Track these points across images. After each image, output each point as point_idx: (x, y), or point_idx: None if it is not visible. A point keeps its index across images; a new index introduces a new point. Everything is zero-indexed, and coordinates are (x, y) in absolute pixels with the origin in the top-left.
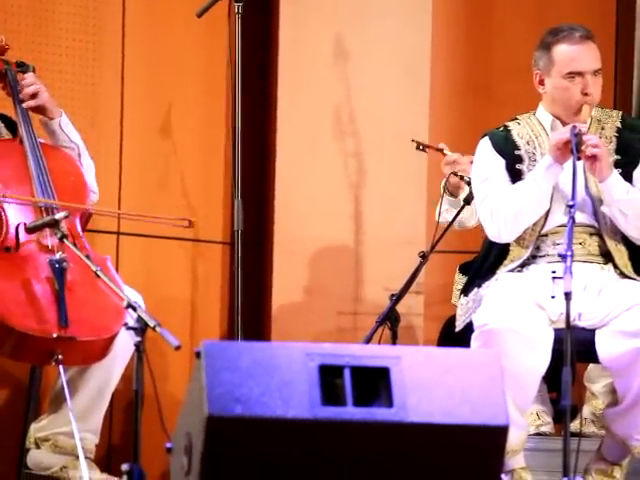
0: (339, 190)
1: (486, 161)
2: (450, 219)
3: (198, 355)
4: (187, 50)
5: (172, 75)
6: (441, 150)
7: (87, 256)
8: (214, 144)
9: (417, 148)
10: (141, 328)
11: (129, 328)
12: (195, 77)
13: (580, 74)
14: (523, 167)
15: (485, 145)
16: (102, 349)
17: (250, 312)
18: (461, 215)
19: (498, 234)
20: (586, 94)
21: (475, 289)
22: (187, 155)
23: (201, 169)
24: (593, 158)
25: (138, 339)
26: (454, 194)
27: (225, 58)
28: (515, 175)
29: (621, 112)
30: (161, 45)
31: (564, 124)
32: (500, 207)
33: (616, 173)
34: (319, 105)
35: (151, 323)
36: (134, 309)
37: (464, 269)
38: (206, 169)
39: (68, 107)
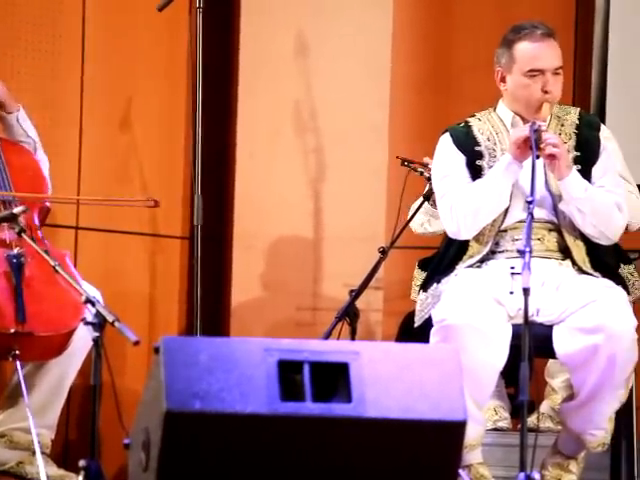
0: (299, 185)
1: (446, 157)
2: (431, 230)
3: (157, 350)
4: (148, 44)
5: (132, 69)
6: (426, 165)
7: (45, 251)
8: (174, 138)
9: (402, 164)
10: (99, 323)
11: (87, 323)
12: (156, 71)
13: (541, 72)
14: (483, 163)
15: (446, 141)
16: (60, 344)
17: (209, 307)
18: (438, 228)
19: (457, 230)
20: (546, 92)
21: (434, 285)
22: (147, 149)
23: (161, 163)
24: (552, 157)
25: (96, 334)
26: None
27: (186, 52)
28: (475, 171)
29: (579, 109)
30: (122, 38)
31: (524, 121)
32: (460, 204)
33: (575, 172)
34: (279, 100)
35: (110, 318)
36: (93, 304)
37: (423, 265)
38: (166, 163)
39: (27, 101)
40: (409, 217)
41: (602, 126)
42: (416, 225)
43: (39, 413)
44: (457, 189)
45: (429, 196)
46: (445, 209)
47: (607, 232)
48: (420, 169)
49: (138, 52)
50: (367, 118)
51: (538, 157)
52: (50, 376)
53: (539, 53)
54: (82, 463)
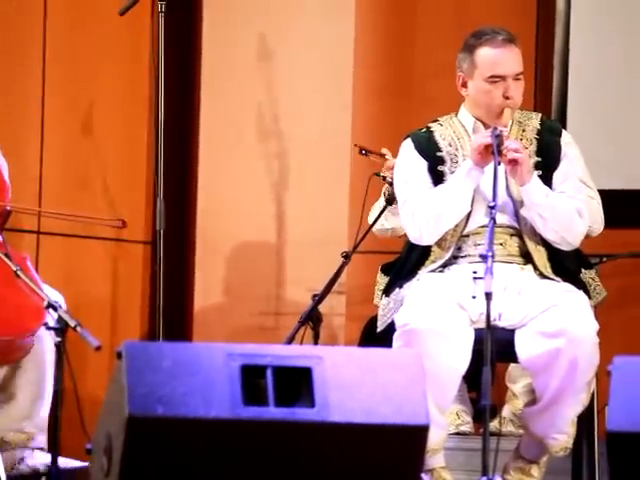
0: (262, 190)
1: (408, 163)
2: (388, 226)
3: (119, 355)
4: (110, 47)
5: (94, 72)
6: (383, 155)
7: (6, 255)
8: (136, 143)
9: (360, 153)
10: (61, 328)
11: (49, 328)
12: (117, 75)
13: (502, 78)
14: (445, 169)
15: (408, 147)
16: (21, 349)
17: (172, 312)
18: (395, 224)
19: (420, 236)
20: (507, 97)
21: (396, 289)
22: (109, 154)
23: (123, 168)
24: (513, 162)
25: (58, 339)
26: (392, 201)
27: (148, 56)
28: (437, 177)
29: (541, 114)
30: (83, 42)
31: (486, 126)
32: (421, 210)
33: (536, 178)
34: (242, 105)
35: (71, 323)
36: (54, 309)
37: (386, 269)
38: (128, 168)
39: None
40: (371, 221)
41: (564, 132)
42: (376, 224)
43: (28, 417)
44: (419, 195)
45: (391, 200)
46: (407, 215)
47: (568, 238)
48: (380, 172)
49: (100, 56)
50: (330, 123)
51: (500, 163)
52: (27, 381)
53: (500, 59)
54: (43, 468)
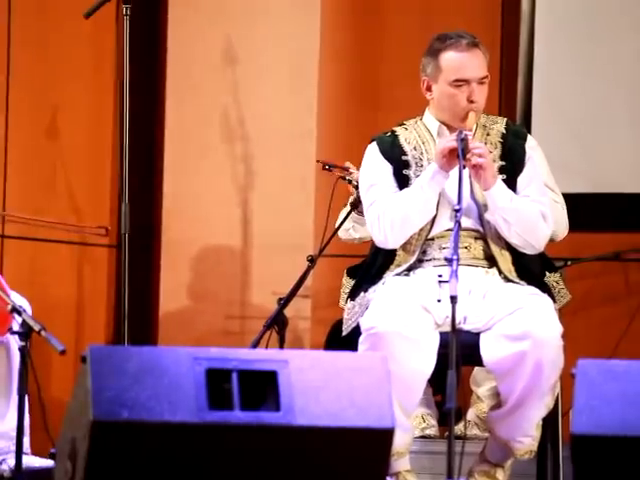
0: (227, 194)
1: (373, 167)
2: (356, 236)
3: (84, 360)
4: (74, 51)
5: (59, 76)
6: (347, 169)
7: None
8: (101, 147)
9: (323, 169)
10: (25, 332)
11: (14, 332)
12: (83, 79)
13: (466, 82)
14: (410, 173)
15: (372, 150)
16: None
17: (137, 316)
18: (363, 234)
19: (385, 240)
20: (472, 101)
21: (362, 293)
22: (74, 157)
23: (88, 172)
24: (478, 167)
25: (23, 343)
26: (360, 210)
27: (113, 60)
28: (402, 181)
29: (506, 119)
30: (48, 45)
31: (451, 130)
32: (387, 213)
33: (500, 182)
34: (208, 108)
35: (36, 327)
36: (19, 313)
37: (351, 272)
38: (93, 172)
39: None
40: (337, 225)
41: (529, 136)
42: (341, 231)
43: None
44: (384, 198)
45: (356, 204)
46: (372, 218)
47: (532, 241)
48: (346, 176)
49: (65, 60)
50: (295, 127)
51: (464, 167)
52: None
53: (465, 63)
54: (7, 473)
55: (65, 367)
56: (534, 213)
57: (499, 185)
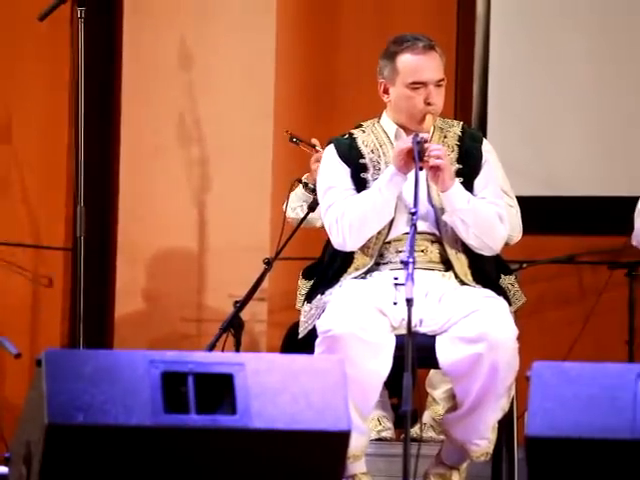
0: (183, 197)
1: (331, 169)
2: (303, 216)
3: (39, 363)
4: (29, 53)
5: (13, 78)
6: (313, 146)
7: None
8: (56, 150)
9: (290, 140)
10: None
11: None
12: (37, 81)
13: (423, 84)
14: (368, 176)
15: (330, 152)
16: None
17: (92, 320)
18: (311, 217)
19: (343, 242)
20: (429, 104)
21: (318, 296)
22: (28, 161)
23: (43, 174)
24: (435, 168)
25: None
26: (313, 191)
27: (68, 63)
28: (360, 184)
29: (462, 122)
30: (2, 48)
31: (408, 133)
32: (345, 216)
33: (458, 183)
34: (163, 110)
35: None
36: None
37: (307, 274)
38: (48, 175)
39: None
40: (285, 207)
41: (484, 140)
42: (289, 210)
43: None
44: (342, 201)
45: (314, 207)
46: (331, 221)
47: (490, 242)
48: (306, 182)
49: (19, 62)
50: (251, 130)
51: (421, 169)
52: None
53: (421, 65)
54: None
55: (20, 371)
56: (491, 214)
57: (457, 187)
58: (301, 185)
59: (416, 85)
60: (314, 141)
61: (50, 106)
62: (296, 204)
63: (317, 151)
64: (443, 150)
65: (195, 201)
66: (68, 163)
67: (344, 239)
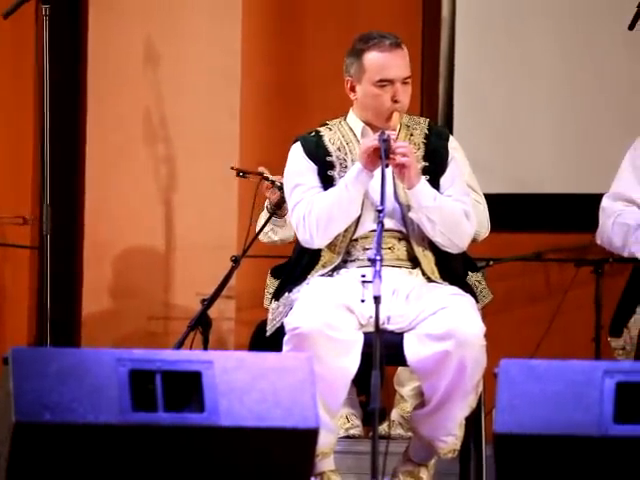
0: (150, 195)
1: (298, 166)
2: (276, 238)
3: (5, 361)
4: None
5: None
6: (261, 174)
7: None
8: (22, 148)
9: (237, 175)
10: None
11: None
12: (2, 79)
13: (390, 82)
14: (334, 174)
15: (297, 150)
16: None
17: (60, 317)
18: (283, 235)
19: (310, 239)
20: (396, 101)
21: (286, 293)
22: None
23: (8, 172)
24: (402, 166)
25: None
26: (278, 214)
27: (33, 60)
28: (326, 181)
29: (428, 119)
30: None
31: (375, 130)
32: (312, 213)
33: (424, 181)
34: (129, 109)
35: None
36: None
37: (276, 272)
38: (13, 173)
39: None
40: (257, 230)
41: (451, 137)
42: (262, 235)
43: None
44: (309, 198)
45: (277, 206)
46: (298, 218)
47: (456, 240)
48: (269, 177)
49: None
50: (218, 128)
51: (387, 166)
52: None
53: (388, 63)
54: None
55: None
56: (457, 212)
57: (423, 184)
58: (265, 210)
59: (383, 83)
60: (260, 169)
61: (15, 105)
62: (267, 229)
63: (266, 178)
64: (409, 147)
65: (162, 199)
66: (34, 162)
67: (311, 236)
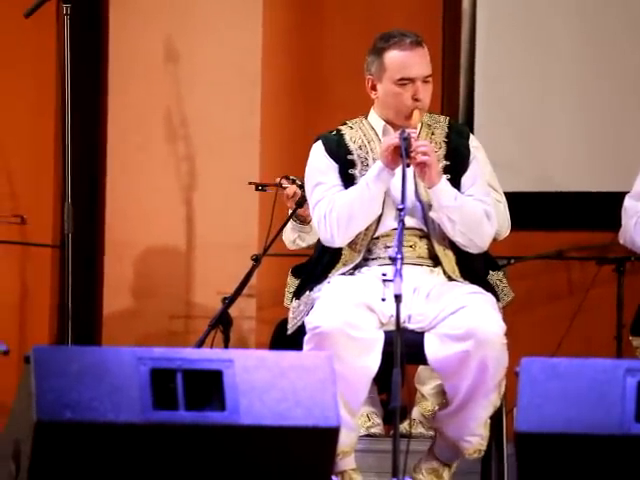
0: (171, 193)
1: (319, 165)
2: (304, 245)
3: (27, 360)
4: (15, 51)
5: (0, 75)
6: (280, 185)
7: None
8: (43, 146)
9: (256, 189)
10: None
11: None
12: (24, 78)
13: (411, 80)
14: (355, 172)
15: (318, 149)
16: None
17: (81, 316)
18: (311, 241)
19: (332, 238)
20: (417, 100)
21: (307, 292)
22: (15, 157)
23: (30, 171)
24: (422, 164)
25: None
26: (303, 221)
27: (54, 59)
28: (348, 180)
29: (448, 117)
30: None
31: (396, 128)
32: (333, 212)
33: (445, 180)
34: (150, 108)
35: None
36: None
37: (296, 272)
38: (35, 171)
39: None
40: (286, 241)
41: (471, 135)
42: (288, 242)
43: None
44: (330, 197)
45: (302, 203)
46: (319, 217)
47: (476, 240)
48: (293, 178)
49: (6, 58)
50: (238, 126)
51: (408, 165)
52: None
53: (409, 61)
54: None
55: (8, 368)
56: (478, 212)
57: (443, 183)
58: (290, 222)
59: (404, 81)
60: (278, 180)
61: (36, 103)
62: (293, 236)
63: (284, 188)
64: (430, 146)
65: (183, 198)
66: (55, 160)
67: (332, 235)
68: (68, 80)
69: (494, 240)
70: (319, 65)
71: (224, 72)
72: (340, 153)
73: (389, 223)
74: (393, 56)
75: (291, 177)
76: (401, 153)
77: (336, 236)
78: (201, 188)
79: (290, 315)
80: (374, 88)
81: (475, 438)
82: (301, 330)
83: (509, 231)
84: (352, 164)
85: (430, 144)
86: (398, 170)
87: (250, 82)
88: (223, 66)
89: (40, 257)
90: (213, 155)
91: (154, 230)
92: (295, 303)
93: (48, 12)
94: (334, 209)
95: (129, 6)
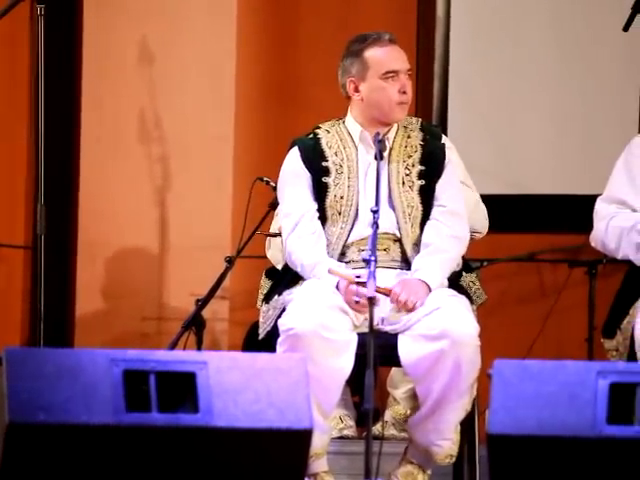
0: (144, 195)
1: (294, 170)
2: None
3: None
4: None
5: None
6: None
7: None
8: (16, 147)
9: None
10: None
11: None
12: None
13: (396, 73)
14: (329, 181)
15: (294, 156)
16: None
17: (53, 318)
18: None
19: (289, 257)
20: (404, 92)
21: (276, 297)
22: None
23: (2, 171)
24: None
25: None
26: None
27: (27, 60)
28: (320, 189)
29: (420, 119)
30: None
31: (372, 133)
32: (291, 254)
33: (432, 282)
34: (124, 109)
35: None
36: None
37: (271, 273)
38: (7, 172)
39: None
40: (269, 254)
41: (443, 136)
42: (276, 262)
43: None
44: (296, 241)
45: (275, 205)
46: (284, 233)
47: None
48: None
49: None
50: (212, 127)
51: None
52: None
53: (391, 55)
54: None
55: None
56: (457, 254)
57: (433, 286)
58: (270, 240)
59: (389, 74)
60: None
61: (10, 105)
62: (280, 256)
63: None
64: (411, 302)
65: (156, 199)
66: (28, 161)
67: (296, 268)
68: (42, 81)
69: (471, 240)
70: (293, 67)
71: (198, 73)
72: (315, 160)
73: (362, 231)
74: (374, 53)
75: (265, 179)
76: (375, 155)
77: (299, 270)
78: (175, 189)
79: (260, 319)
80: (357, 90)
81: (446, 442)
82: (274, 332)
83: (486, 231)
84: (326, 171)
85: (406, 148)
86: (372, 172)
87: (224, 84)
88: (197, 68)
89: (12, 258)
90: (187, 156)
91: (127, 231)
92: (265, 307)
93: (22, 12)
94: (293, 252)
95: (103, 7)
